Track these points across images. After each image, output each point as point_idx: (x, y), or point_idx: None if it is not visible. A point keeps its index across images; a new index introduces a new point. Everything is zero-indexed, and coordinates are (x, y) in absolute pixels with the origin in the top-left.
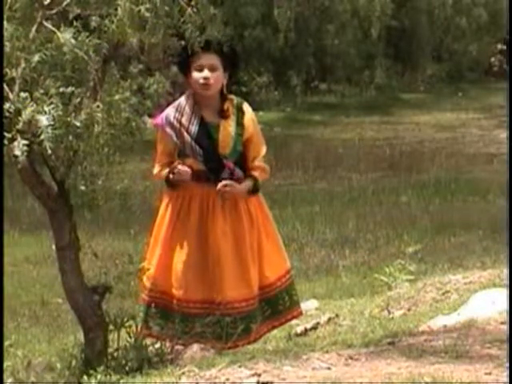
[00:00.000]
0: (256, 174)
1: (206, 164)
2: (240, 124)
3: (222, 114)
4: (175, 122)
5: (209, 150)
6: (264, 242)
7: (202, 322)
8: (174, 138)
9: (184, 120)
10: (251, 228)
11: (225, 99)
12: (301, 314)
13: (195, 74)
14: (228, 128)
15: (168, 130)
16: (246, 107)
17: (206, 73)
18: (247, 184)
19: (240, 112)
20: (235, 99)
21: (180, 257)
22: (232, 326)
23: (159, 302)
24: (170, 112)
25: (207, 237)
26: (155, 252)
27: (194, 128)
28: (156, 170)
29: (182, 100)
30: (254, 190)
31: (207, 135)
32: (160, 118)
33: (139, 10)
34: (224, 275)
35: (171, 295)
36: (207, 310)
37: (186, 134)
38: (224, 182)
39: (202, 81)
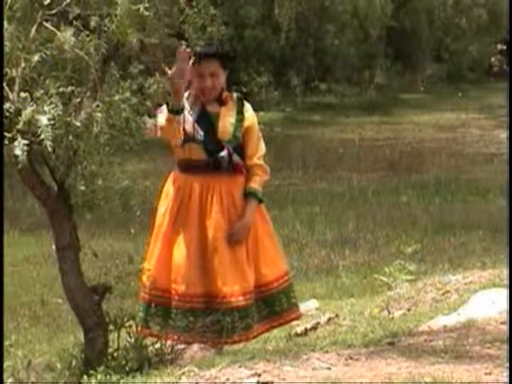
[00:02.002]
0: (255, 185)
1: (205, 146)
2: (240, 113)
3: (220, 101)
4: None
5: (208, 133)
6: (264, 241)
7: (203, 320)
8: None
9: (185, 104)
10: None
11: (222, 91)
12: (299, 316)
13: (196, 82)
14: (228, 116)
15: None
16: (246, 102)
17: (207, 82)
18: (252, 206)
19: (240, 103)
20: (234, 94)
21: (181, 252)
22: (233, 322)
23: (160, 301)
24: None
25: (206, 230)
26: (156, 250)
27: (195, 111)
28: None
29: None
30: (259, 202)
31: (208, 122)
32: (161, 108)
33: (138, 9)
34: (221, 269)
35: (172, 292)
36: (208, 304)
37: (187, 115)
38: (230, 233)
39: (201, 90)
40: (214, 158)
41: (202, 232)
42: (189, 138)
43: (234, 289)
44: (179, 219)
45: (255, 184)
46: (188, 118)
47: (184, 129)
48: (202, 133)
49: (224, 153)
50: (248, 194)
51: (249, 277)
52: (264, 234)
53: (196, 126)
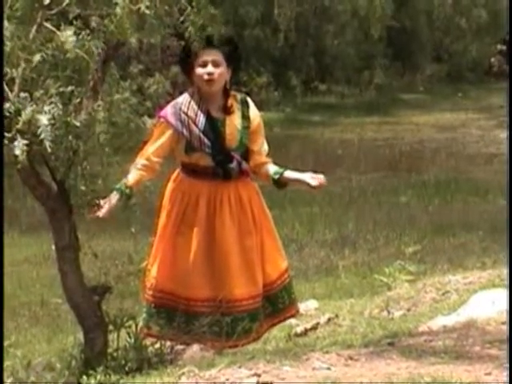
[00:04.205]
0: (276, 166)
1: (214, 157)
2: (246, 117)
3: (226, 111)
4: (182, 114)
5: (216, 143)
6: (265, 240)
7: (202, 322)
8: (180, 129)
9: (191, 112)
10: (255, 226)
11: (228, 95)
12: (298, 312)
13: (199, 70)
14: (234, 122)
15: (173, 121)
16: (250, 101)
17: (209, 68)
18: (292, 171)
19: (245, 105)
20: (238, 95)
21: (186, 255)
22: (233, 325)
23: (163, 302)
24: (175, 104)
25: (214, 234)
26: (159, 251)
27: (201, 120)
28: (138, 159)
29: (187, 95)
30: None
31: (214, 129)
32: (165, 110)
33: (139, 9)
34: (231, 273)
35: (176, 294)
36: (214, 309)
37: (193, 125)
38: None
39: (206, 76)
40: (224, 168)
41: (210, 235)
42: (195, 149)
43: (244, 292)
44: (185, 222)
45: (276, 166)
46: (193, 128)
47: (190, 140)
48: (209, 143)
49: (234, 164)
50: (279, 173)
51: (259, 280)
52: (267, 233)
53: (202, 136)
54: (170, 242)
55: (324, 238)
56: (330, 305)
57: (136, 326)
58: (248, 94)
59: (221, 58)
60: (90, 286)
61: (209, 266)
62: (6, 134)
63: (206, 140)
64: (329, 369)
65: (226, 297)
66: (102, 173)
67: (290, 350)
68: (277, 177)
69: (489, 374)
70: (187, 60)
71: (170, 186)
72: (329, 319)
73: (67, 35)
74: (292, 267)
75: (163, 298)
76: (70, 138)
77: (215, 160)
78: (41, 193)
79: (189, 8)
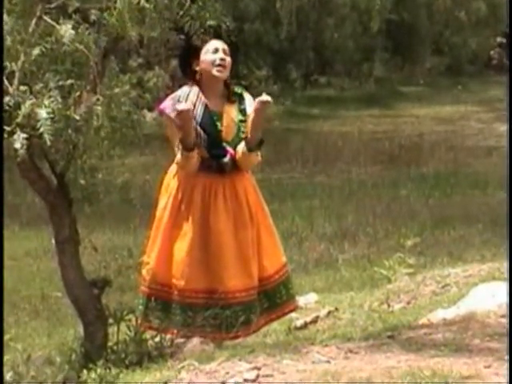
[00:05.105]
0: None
1: (209, 150)
2: (242, 110)
3: (228, 97)
4: None
5: (212, 135)
6: (262, 234)
7: (202, 315)
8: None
9: (185, 104)
10: (251, 219)
11: (229, 88)
12: (297, 307)
13: (210, 56)
14: (231, 115)
15: (171, 112)
16: (246, 94)
17: (221, 54)
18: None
19: (242, 99)
20: (236, 88)
21: (182, 247)
22: (233, 317)
23: (160, 295)
24: (174, 97)
25: (209, 226)
26: (156, 243)
27: (198, 113)
28: (177, 156)
29: (186, 87)
30: (260, 143)
31: (211, 122)
32: (164, 104)
33: (138, 2)
34: (226, 264)
35: (172, 286)
36: (209, 300)
37: None
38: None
39: (218, 61)
40: (218, 162)
41: (205, 227)
42: None
43: (238, 284)
44: (180, 214)
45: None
46: None
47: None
48: (205, 137)
49: (227, 158)
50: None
51: (254, 273)
52: (264, 228)
53: (198, 128)
54: (166, 234)
55: (324, 231)
56: (329, 298)
57: (136, 319)
58: (247, 87)
59: (228, 50)
60: (90, 280)
61: (204, 258)
62: (6, 128)
63: (202, 133)
64: (328, 362)
65: (222, 288)
66: (102, 166)
67: (290, 343)
68: (247, 136)
69: (488, 366)
70: (188, 54)
71: (167, 178)
72: (329, 312)
73: (66, 29)
74: (292, 260)
75: (160, 290)
76: (70, 131)
77: (210, 153)
78: (41, 186)
79: (188, 1)
